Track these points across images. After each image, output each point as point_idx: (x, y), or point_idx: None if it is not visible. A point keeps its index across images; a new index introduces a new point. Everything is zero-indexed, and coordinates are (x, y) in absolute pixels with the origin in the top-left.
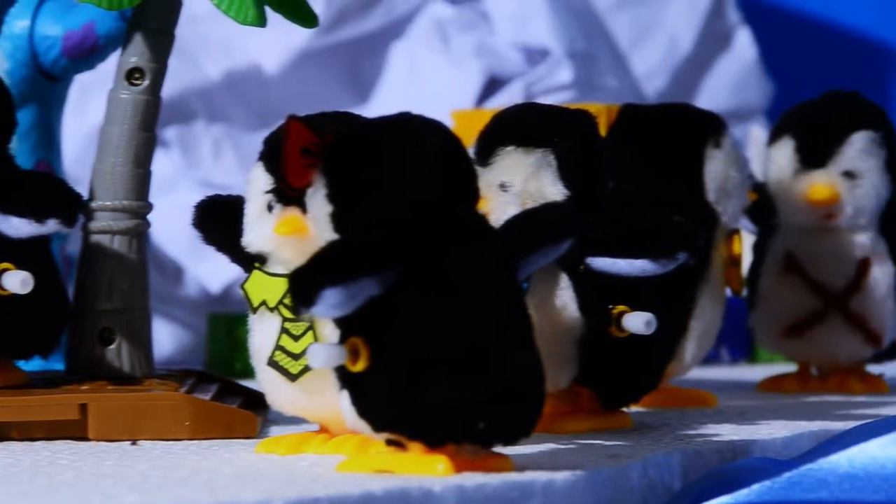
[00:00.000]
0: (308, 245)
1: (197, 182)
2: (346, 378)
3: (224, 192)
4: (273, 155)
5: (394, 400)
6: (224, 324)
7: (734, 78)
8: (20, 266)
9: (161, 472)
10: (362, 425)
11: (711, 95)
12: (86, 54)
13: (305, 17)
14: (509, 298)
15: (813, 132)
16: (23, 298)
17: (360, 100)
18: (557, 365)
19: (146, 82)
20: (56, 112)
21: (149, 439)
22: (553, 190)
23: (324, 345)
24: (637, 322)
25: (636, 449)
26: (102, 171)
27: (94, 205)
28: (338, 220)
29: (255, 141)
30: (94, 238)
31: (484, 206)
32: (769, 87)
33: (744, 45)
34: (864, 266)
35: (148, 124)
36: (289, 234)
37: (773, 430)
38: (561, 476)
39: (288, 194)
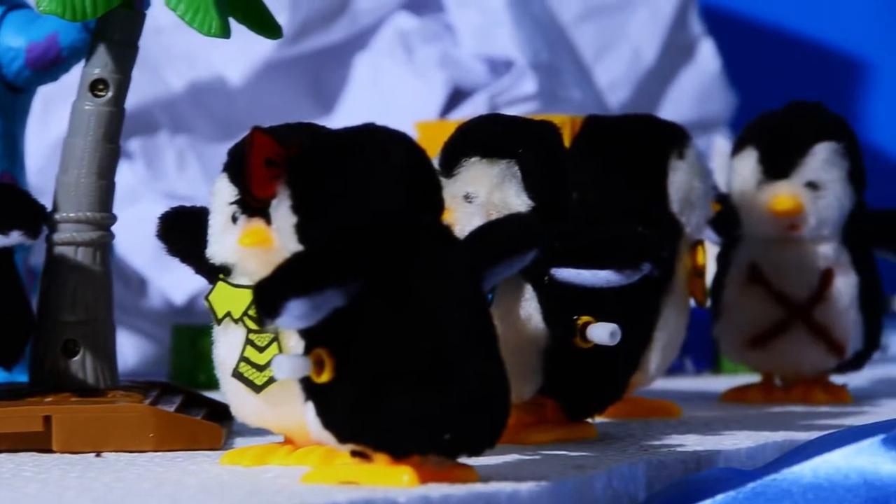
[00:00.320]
0: (273, 256)
1: (161, 193)
2: (310, 389)
3: (188, 204)
4: (237, 166)
5: (358, 411)
6: (188, 335)
7: (697, 89)
8: None
9: (125, 484)
10: (327, 436)
11: (675, 106)
12: (49, 66)
13: (269, 29)
14: (474, 309)
15: (776, 143)
16: None
17: (324, 111)
18: (522, 376)
19: (110, 94)
20: (19, 123)
21: (113, 451)
22: (517, 201)
23: (288, 356)
24: (601, 333)
25: (601, 460)
26: (66, 183)
27: (57, 216)
28: (302, 231)
29: (220, 152)
30: (58, 250)
31: (448, 217)
32: (732, 99)
33: (707, 56)
34: (827, 277)
35: (112, 136)
36: (253, 245)
37: (737, 441)
38: (526, 487)
39: (252, 205)
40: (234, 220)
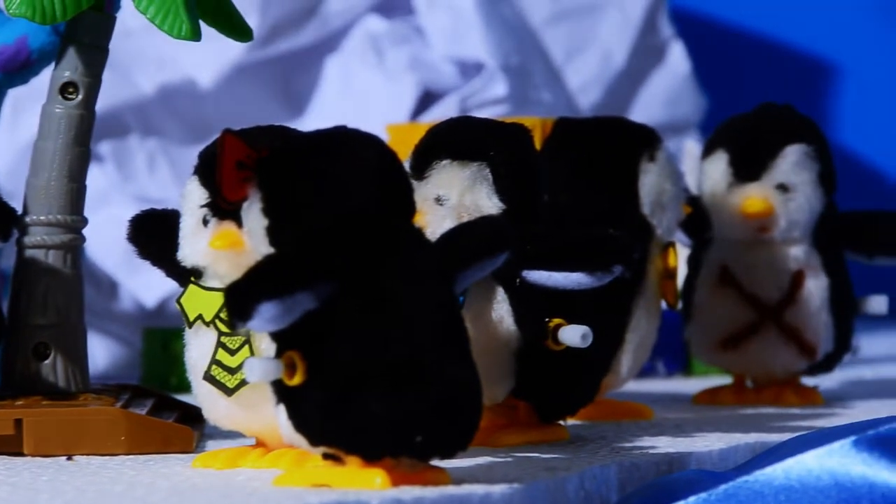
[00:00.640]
0: (244, 259)
1: (131, 196)
2: (282, 392)
3: (159, 207)
4: (208, 169)
5: (330, 414)
6: (160, 338)
7: (668, 91)
8: None
9: (97, 487)
10: (299, 439)
11: (645, 109)
12: (19, 69)
13: (240, 32)
14: (445, 312)
15: (746, 145)
16: None
17: (294, 114)
18: (494, 378)
19: (80, 97)
20: None
21: (85, 454)
22: (488, 203)
23: (260, 359)
24: (573, 335)
25: (573, 462)
26: (36, 186)
27: (28, 219)
28: (273, 233)
29: (190, 155)
30: (29, 253)
31: (420, 220)
32: (703, 101)
33: (677, 58)
34: (798, 279)
35: (82, 139)
36: (224, 248)
37: (709, 443)
38: (498, 489)
39: (223, 208)
40: (205, 222)
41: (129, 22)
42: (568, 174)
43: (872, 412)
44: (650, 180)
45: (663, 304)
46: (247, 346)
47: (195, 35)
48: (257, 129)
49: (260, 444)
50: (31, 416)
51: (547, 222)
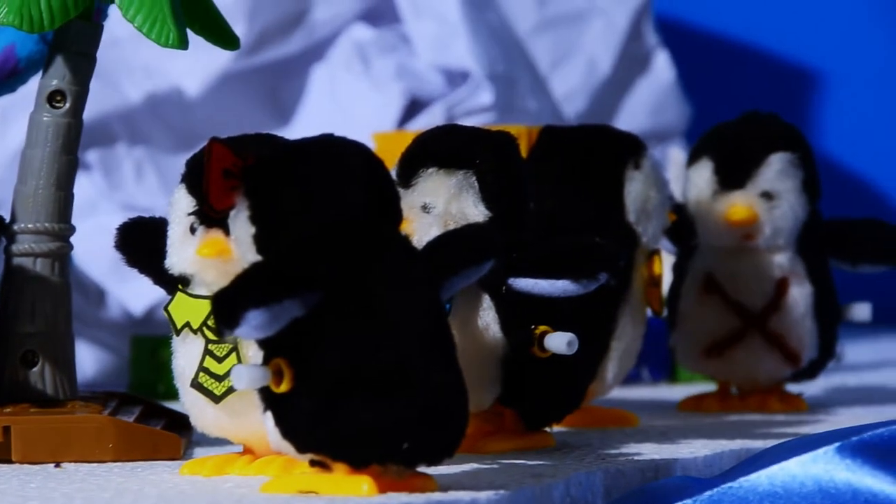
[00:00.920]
0: (231, 267)
1: (119, 204)
2: (270, 399)
3: (147, 215)
4: (195, 177)
5: (318, 421)
6: (147, 346)
7: (653, 100)
8: None
9: (85, 495)
10: (286, 446)
11: (630, 117)
12: (7, 77)
13: (227, 40)
14: (432, 319)
15: (731, 153)
16: None
17: (281, 122)
18: (480, 385)
19: (67, 105)
20: None
21: (73, 461)
22: (475, 211)
23: (247, 366)
24: (559, 342)
25: (559, 468)
26: (24, 194)
27: (15, 227)
28: (261, 241)
29: (178, 163)
30: (17, 261)
31: (406, 228)
32: (687, 109)
33: (662, 67)
34: (782, 286)
35: (70, 147)
36: (212, 256)
37: (694, 449)
38: (484, 496)
39: (211, 216)
40: (193, 230)
41: (117, 31)
42: (554, 182)
43: (856, 419)
44: (635, 188)
45: (648, 312)
46: (234, 354)
47: (182, 43)
48: (244, 138)
49: (247, 451)
50: (20, 423)
51: (533, 230)
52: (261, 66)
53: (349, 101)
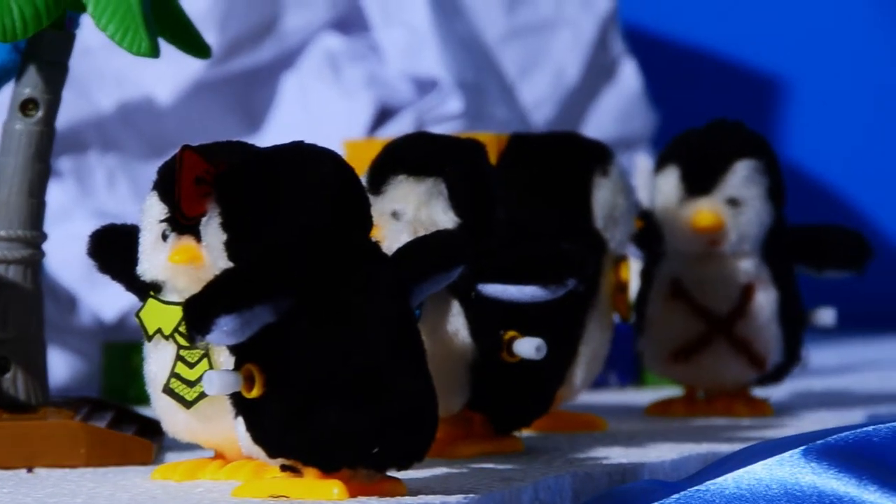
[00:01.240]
0: (203, 273)
1: (91, 212)
2: (241, 404)
3: (118, 222)
4: (167, 184)
5: (288, 426)
6: (119, 352)
7: (620, 107)
8: None
9: (57, 500)
10: (257, 451)
11: (598, 125)
12: None
13: (198, 49)
14: (402, 325)
15: (697, 160)
16: None
17: (252, 130)
18: (450, 390)
19: (40, 113)
20: None
21: (45, 467)
22: (444, 218)
23: (219, 372)
24: (527, 347)
25: (527, 472)
26: None
27: None
28: (232, 248)
29: (149, 171)
30: None
31: (376, 234)
32: (654, 117)
33: (629, 75)
34: (748, 291)
35: (42, 155)
36: (183, 262)
37: (661, 453)
38: (454, 500)
39: (182, 223)
40: (165, 237)
41: (89, 39)
42: (522, 189)
43: (821, 423)
44: (603, 195)
45: (616, 317)
46: (205, 360)
47: (154, 52)
48: (216, 145)
49: (219, 456)
50: None
51: (502, 237)
52: (232, 75)
53: (320, 109)
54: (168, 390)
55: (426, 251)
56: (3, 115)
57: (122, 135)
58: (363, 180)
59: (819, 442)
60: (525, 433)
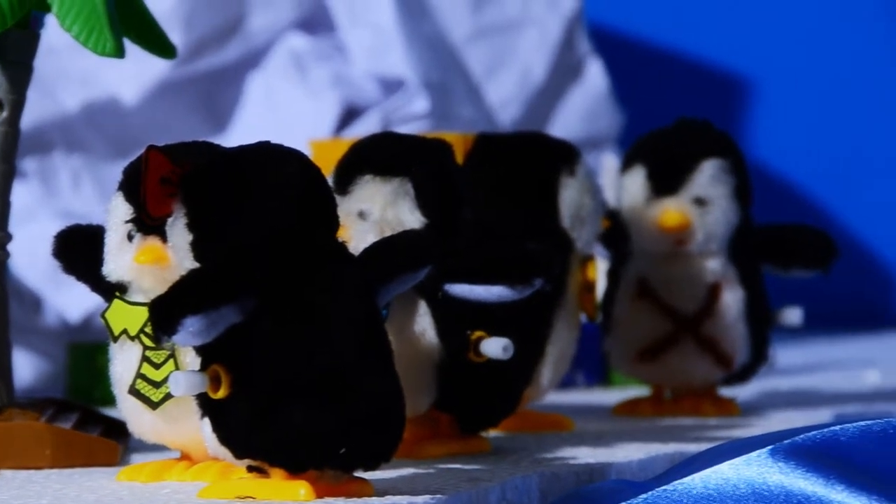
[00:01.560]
0: (168, 274)
1: (56, 212)
2: (207, 405)
3: (84, 222)
4: (132, 184)
5: (255, 426)
6: (84, 353)
7: (586, 107)
8: None
9: (23, 501)
10: (224, 452)
11: (564, 124)
12: None
13: (163, 49)
14: (368, 325)
15: (664, 160)
16: None
17: (218, 130)
18: (416, 390)
19: (4, 114)
20: None
21: (10, 468)
22: (411, 218)
23: (185, 372)
24: (494, 347)
25: (495, 472)
26: None
27: None
28: (198, 248)
29: (115, 171)
30: None
31: (343, 234)
32: (620, 116)
33: (595, 75)
34: (715, 291)
35: (7, 156)
36: (149, 263)
37: (628, 453)
38: (421, 500)
39: (148, 223)
40: (130, 238)
41: (54, 40)
42: (489, 189)
43: (788, 422)
44: (570, 194)
45: (583, 317)
46: (171, 360)
47: (119, 52)
48: (181, 145)
49: (185, 457)
50: None
51: (468, 236)
52: (197, 75)
53: (285, 109)
54: (134, 391)
55: (393, 251)
56: None
57: (87, 135)
58: (329, 180)
59: (786, 441)
60: (492, 433)
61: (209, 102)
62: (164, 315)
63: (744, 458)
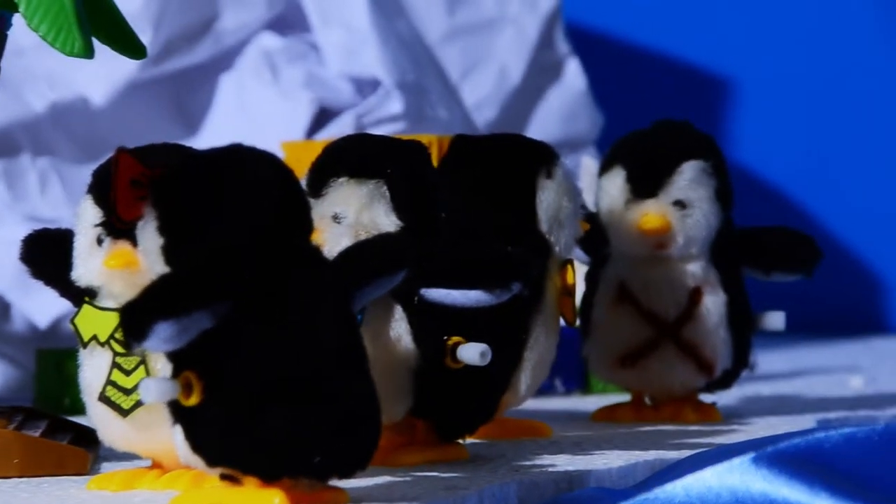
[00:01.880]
0: (139, 278)
1: (24, 216)
2: (179, 413)
3: (52, 226)
4: (102, 188)
5: (227, 434)
6: (53, 359)
7: (564, 108)
8: None
9: None
10: (196, 460)
11: (542, 126)
12: None
13: (133, 49)
14: (344, 330)
15: (643, 162)
16: None
17: (189, 132)
18: (393, 397)
19: None
20: None
21: None
22: (386, 221)
23: (156, 379)
24: (472, 353)
25: (472, 480)
26: None
27: None
28: (169, 252)
29: (83, 174)
30: None
31: (317, 238)
32: (599, 118)
33: (573, 75)
34: (695, 295)
35: None
36: (119, 267)
37: (608, 460)
38: None
39: (118, 227)
40: (100, 242)
41: (21, 40)
42: (465, 191)
43: (771, 428)
44: (548, 197)
45: (561, 322)
46: (142, 367)
47: (88, 52)
48: (152, 148)
49: (156, 465)
50: None
51: (445, 240)
52: (168, 75)
53: (258, 111)
54: (104, 398)
55: (368, 255)
56: None
57: (54, 137)
58: (303, 183)
59: (769, 448)
60: (469, 440)
61: (180, 103)
62: (135, 320)
63: (726, 464)
